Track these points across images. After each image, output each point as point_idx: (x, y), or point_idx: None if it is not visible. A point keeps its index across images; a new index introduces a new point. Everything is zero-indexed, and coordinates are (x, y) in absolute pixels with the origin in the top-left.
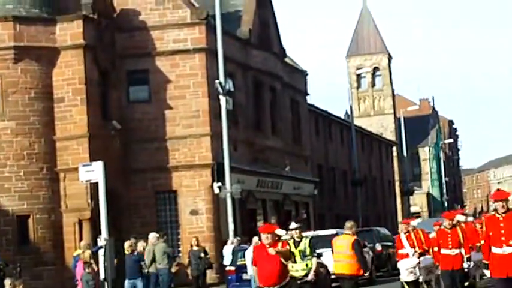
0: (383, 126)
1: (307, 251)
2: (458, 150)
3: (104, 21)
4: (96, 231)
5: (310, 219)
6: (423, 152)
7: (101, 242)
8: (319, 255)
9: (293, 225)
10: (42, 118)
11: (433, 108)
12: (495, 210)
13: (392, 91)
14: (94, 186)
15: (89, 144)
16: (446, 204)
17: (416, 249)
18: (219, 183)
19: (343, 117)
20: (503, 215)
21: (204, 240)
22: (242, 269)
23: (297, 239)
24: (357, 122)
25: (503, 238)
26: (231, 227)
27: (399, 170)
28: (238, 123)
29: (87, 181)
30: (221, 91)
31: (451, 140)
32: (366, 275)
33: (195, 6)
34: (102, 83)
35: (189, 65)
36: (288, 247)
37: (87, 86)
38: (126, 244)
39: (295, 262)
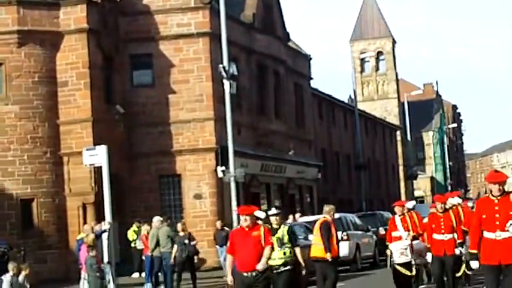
0: (387, 110)
1: (285, 239)
2: (462, 134)
3: (107, 5)
4: (100, 215)
5: (313, 203)
6: (427, 137)
7: (105, 225)
8: None
9: (272, 211)
10: (46, 102)
11: (437, 92)
12: (490, 192)
13: (396, 75)
14: (98, 170)
15: (92, 128)
16: (449, 189)
17: (410, 232)
18: (223, 167)
19: (346, 101)
20: (499, 197)
21: (207, 224)
22: None
23: (275, 226)
24: (361, 106)
25: (497, 222)
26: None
27: (403, 154)
28: (241, 107)
29: (91, 165)
30: (225, 75)
31: (455, 125)
32: (328, 257)
33: None
34: (105, 67)
35: (192, 49)
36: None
37: (91, 70)
38: None
39: (272, 250)
